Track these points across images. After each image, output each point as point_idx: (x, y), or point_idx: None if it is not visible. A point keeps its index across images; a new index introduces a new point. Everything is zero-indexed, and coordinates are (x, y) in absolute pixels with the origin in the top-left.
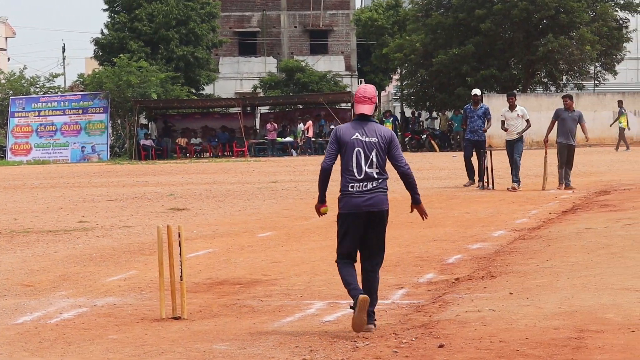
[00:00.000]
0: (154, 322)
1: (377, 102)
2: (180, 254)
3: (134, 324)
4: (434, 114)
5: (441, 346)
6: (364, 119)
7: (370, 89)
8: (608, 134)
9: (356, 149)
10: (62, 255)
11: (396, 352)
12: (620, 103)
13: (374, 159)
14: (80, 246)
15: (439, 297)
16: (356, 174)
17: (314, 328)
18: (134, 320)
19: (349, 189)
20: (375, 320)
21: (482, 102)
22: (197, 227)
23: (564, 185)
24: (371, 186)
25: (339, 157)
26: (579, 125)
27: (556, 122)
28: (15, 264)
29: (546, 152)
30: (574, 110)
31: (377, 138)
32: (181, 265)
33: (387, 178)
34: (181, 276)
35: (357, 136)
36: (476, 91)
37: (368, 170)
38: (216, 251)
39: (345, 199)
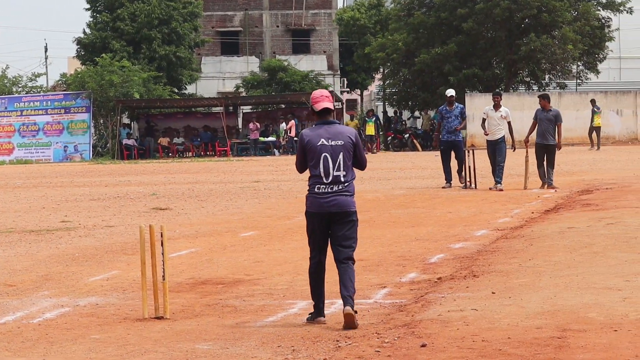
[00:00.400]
0: (136, 322)
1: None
2: (162, 254)
3: (116, 323)
4: (416, 113)
5: (423, 345)
6: (327, 121)
7: (325, 91)
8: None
9: (323, 154)
10: (45, 255)
11: (379, 351)
12: (593, 102)
13: (341, 162)
14: (63, 246)
15: (421, 297)
16: (324, 178)
17: (296, 328)
18: (116, 320)
19: (316, 189)
20: (353, 306)
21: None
22: (179, 227)
23: (546, 184)
24: (337, 188)
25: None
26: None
27: (536, 123)
28: None
29: (527, 151)
30: (550, 110)
31: (343, 141)
32: (163, 265)
33: (353, 179)
34: (163, 276)
35: (322, 142)
36: (451, 91)
37: (335, 173)
38: (199, 251)
39: (311, 198)
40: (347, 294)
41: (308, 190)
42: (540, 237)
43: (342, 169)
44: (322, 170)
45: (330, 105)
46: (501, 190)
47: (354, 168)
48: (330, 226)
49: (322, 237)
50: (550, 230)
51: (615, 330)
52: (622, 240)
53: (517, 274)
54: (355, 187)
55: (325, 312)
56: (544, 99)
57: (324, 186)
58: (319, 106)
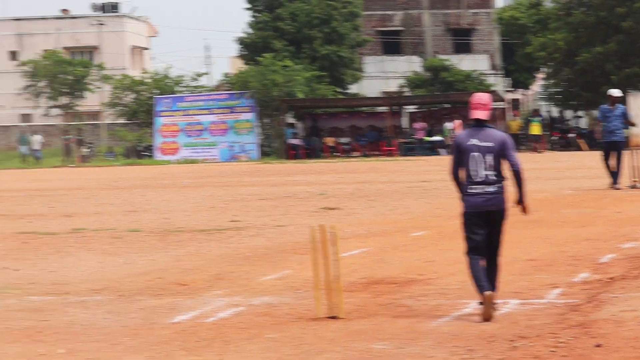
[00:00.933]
0: (310, 322)
1: (493, 108)
2: (335, 253)
3: (291, 323)
4: (579, 112)
5: (598, 345)
6: (479, 124)
7: (485, 97)
8: None
9: (472, 154)
10: (216, 254)
11: (554, 351)
12: None
13: (491, 163)
14: (234, 245)
15: (594, 297)
16: (474, 178)
17: (470, 327)
18: (290, 320)
19: (469, 190)
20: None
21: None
22: (349, 227)
23: None
24: (489, 190)
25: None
26: None
27: None
28: (169, 263)
29: None
30: None
31: (493, 143)
32: (337, 264)
33: (503, 179)
34: (337, 275)
35: (473, 142)
36: (613, 91)
37: (485, 173)
38: (370, 250)
39: (466, 198)
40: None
41: (462, 192)
42: None
43: (492, 169)
44: (471, 168)
45: (483, 115)
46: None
47: (512, 170)
48: (487, 226)
49: (478, 236)
50: None
51: None
52: None
53: None
54: (524, 187)
55: (499, 314)
56: None
57: (477, 186)
58: (471, 114)
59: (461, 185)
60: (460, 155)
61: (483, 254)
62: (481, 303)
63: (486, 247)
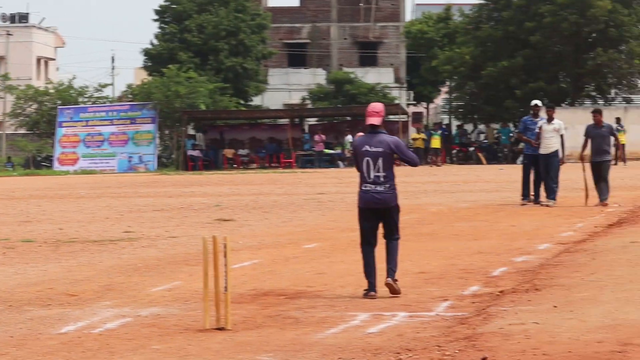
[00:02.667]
0: (197, 333)
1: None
2: (225, 265)
3: (177, 334)
4: (481, 127)
5: (484, 359)
6: (373, 130)
7: (378, 105)
8: None
9: (365, 158)
10: (107, 265)
11: None
12: (618, 120)
13: (380, 166)
14: (126, 256)
15: (483, 310)
16: (366, 178)
17: (357, 340)
18: (177, 331)
19: (362, 187)
20: (396, 279)
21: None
22: (242, 238)
23: (600, 201)
24: (379, 189)
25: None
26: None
27: (588, 139)
28: (60, 274)
29: (584, 168)
30: (602, 126)
31: (383, 148)
32: (226, 276)
33: (393, 179)
34: (226, 287)
35: (366, 148)
36: (537, 102)
37: (375, 174)
38: (261, 262)
39: (360, 194)
40: (390, 266)
41: (359, 188)
42: (603, 252)
43: (380, 170)
44: (364, 170)
45: (377, 121)
46: (548, 206)
47: (408, 164)
48: (379, 220)
49: (370, 229)
50: (613, 244)
51: None
52: None
53: (579, 287)
54: (419, 200)
55: (386, 327)
56: (599, 114)
57: (369, 185)
58: (367, 120)
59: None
60: (357, 158)
61: (374, 244)
62: (366, 290)
63: (375, 237)
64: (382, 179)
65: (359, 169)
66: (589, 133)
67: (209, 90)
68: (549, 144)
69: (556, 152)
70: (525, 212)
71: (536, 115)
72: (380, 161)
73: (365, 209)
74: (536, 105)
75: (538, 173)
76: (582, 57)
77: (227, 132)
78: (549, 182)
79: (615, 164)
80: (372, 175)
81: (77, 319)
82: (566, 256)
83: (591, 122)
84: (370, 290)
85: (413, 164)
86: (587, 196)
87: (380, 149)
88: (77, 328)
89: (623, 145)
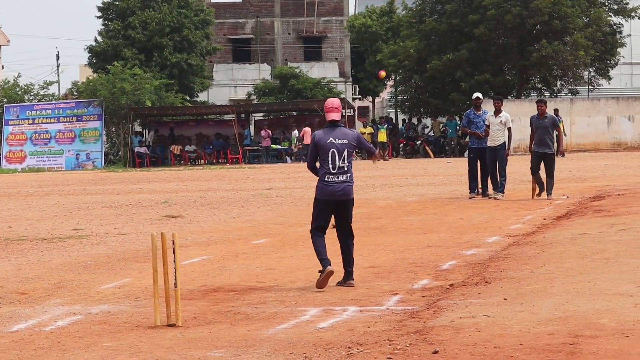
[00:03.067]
0: (148, 330)
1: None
2: (174, 262)
3: (128, 331)
4: (425, 121)
5: (436, 352)
6: (334, 124)
7: (336, 101)
8: (602, 139)
9: (332, 150)
10: (57, 263)
11: (390, 358)
12: (556, 112)
13: (345, 156)
14: (75, 254)
15: (433, 303)
16: (331, 169)
17: (308, 335)
18: (128, 328)
19: (326, 179)
20: (353, 278)
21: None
22: (191, 235)
23: (541, 192)
24: (342, 179)
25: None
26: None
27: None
28: (10, 272)
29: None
30: (546, 117)
31: (346, 140)
32: (175, 272)
33: (351, 171)
34: (175, 283)
35: (331, 140)
36: (478, 95)
37: (341, 164)
38: (210, 258)
39: (322, 187)
40: (349, 269)
41: (319, 180)
42: (552, 244)
43: (345, 161)
44: (330, 161)
45: (337, 117)
46: (496, 199)
47: (369, 152)
48: (337, 211)
49: (325, 220)
50: (562, 236)
51: (627, 336)
52: (634, 246)
53: (528, 280)
54: (367, 194)
55: (337, 321)
56: (543, 104)
57: (333, 176)
58: (328, 117)
59: (319, 174)
60: (318, 151)
61: (324, 232)
62: (321, 272)
63: (326, 228)
64: (346, 169)
65: (322, 162)
66: (533, 123)
67: (154, 86)
68: (496, 137)
69: (503, 144)
70: (473, 206)
71: (478, 108)
72: (345, 152)
73: (325, 201)
74: (477, 98)
75: (485, 166)
76: (526, 49)
77: (173, 128)
78: (496, 176)
79: (557, 155)
80: (337, 166)
81: (28, 317)
82: (515, 249)
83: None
84: (326, 265)
85: (373, 152)
86: (534, 189)
87: (345, 141)
88: (28, 326)
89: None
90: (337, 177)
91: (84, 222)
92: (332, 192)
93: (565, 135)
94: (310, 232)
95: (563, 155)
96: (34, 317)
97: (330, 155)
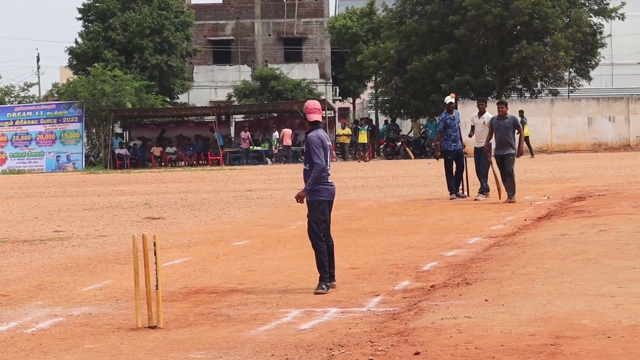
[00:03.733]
0: (129, 332)
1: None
2: (155, 263)
3: (109, 333)
4: (404, 122)
5: (417, 353)
6: (317, 126)
7: (318, 102)
8: (583, 140)
9: (327, 151)
10: (38, 264)
11: (372, 359)
12: (521, 113)
13: (329, 157)
14: (56, 256)
15: (414, 305)
16: (328, 169)
17: (289, 336)
18: (109, 330)
19: (328, 181)
20: (335, 280)
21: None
22: (172, 236)
23: (508, 197)
24: (331, 179)
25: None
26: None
27: (494, 131)
28: None
29: (491, 161)
30: (506, 117)
31: (329, 141)
32: (157, 274)
33: None
34: (157, 285)
35: (326, 142)
36: (450, 99)
37: (329, 165)
38: (192, 260)
39: (326, 188)
40: (332, 271)
41: (319, 184)
42: (533, 245)
43: (329, 162)
44: (327, 163)
45: (320, 118)
46: (477, 200)
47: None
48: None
49: (327, 222)
50: (543, 237)
51: (609, 337)
52: (614, 246)
53: (510, 281)
54: (347, 195)
55: (318, 323)
56: (504, 105)
57: (329, 177)
58: (311, 118)
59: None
60: (319, 152)
61: (325, 236)
62: (324, 285)
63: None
64: (330, 171)
65: (324, 162)
66: (493, 125)
67: (134, 88)
68: (482, 138)
69: (490, 146)
70: (454, 207)
71: (450, 111)
72: (329, 154)
73: (328, 202)
74: (450, 103)
75: (460, 168)
76: (507, 50)
77: (154, 130)
78: (479, 177)
79: (518, 156)
80: (329, 166)
81: (9, 319)
82: (496, 250)
83: (517, 114)
84: (331, 280)
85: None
86: (499, 190)
87: (329, 142)
88: (9, 328)
89: (527, 137)
90: (330, 178)
91: (64, 224)
92: (333, 192)
93: (528, 135)
94: (315, 238)
95: (532, 155)
96: (15, 319)
97: (327, 157)
